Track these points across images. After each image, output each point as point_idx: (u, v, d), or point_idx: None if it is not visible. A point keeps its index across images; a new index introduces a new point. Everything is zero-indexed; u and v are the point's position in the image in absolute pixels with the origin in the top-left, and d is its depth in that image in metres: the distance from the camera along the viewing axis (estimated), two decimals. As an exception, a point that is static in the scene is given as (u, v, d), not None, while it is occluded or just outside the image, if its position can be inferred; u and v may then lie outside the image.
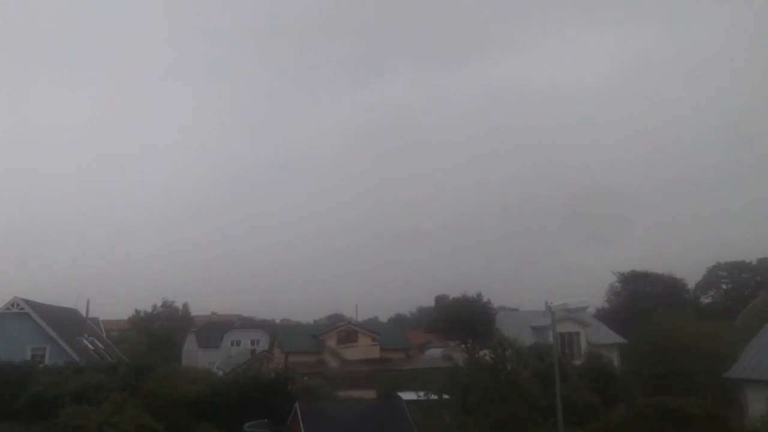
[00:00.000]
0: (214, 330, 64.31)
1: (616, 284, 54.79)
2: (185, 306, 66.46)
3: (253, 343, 60.68)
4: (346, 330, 43.02)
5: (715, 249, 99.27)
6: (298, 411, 21.58)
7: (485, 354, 25.87)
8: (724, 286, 59.67)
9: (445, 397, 26.74)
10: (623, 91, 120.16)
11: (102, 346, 41.04)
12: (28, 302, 34.89)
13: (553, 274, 78.01)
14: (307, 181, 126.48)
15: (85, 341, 38.61)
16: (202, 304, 75.23)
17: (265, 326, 64.55)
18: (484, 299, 36.56)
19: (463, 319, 34.35)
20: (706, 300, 58.19)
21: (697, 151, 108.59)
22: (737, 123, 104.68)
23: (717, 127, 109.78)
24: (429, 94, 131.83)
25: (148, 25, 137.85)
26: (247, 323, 69.25)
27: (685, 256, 76.02)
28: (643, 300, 47.37)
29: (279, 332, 47.01)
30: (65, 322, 38.43)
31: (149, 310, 63.86)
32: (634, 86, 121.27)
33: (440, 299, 39.45)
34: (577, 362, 33.59)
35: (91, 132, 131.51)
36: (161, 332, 52.37)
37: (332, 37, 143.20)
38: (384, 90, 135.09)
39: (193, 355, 58.41)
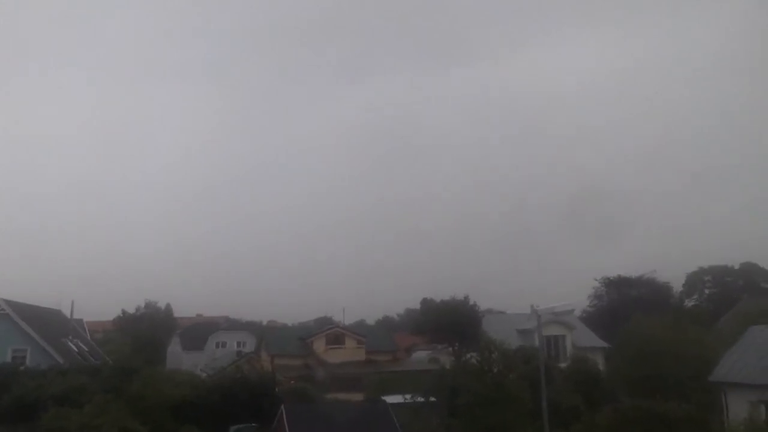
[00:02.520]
0: (199, 331, 63.73)
1: (601, 288, 55.30)
2: (168, 306, 65.80)
3: (239, 344, 60.22)
4: (334, 333, 42.98)
5: (698, 254, 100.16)
6: (284, 413, 21.51)
7: (471, 357, 25.94)
8: (707, 291, 60.45)
9: (432, 399, 26.76)
10: (623, 91, 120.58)
11: (86, 348, 40.55)
12: (8, 303, 34.38)
13: (541, 277, 78.24)
14: (299, 183, 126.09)
15: (69, 343, 38.14)
16: (187, 306, 74.35)
17: (252, 328, 64.13)
18: (471, 302, 36.74)
19: (450, 322, 34.47)
20: (690, 304, 58.88)
21: (697, 152, 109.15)
22: (737, 124, 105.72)
23: (716, 127, 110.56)
24: (427, 94, 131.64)
25: (148, 25, 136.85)
26: (233, 325, 68.75)
27: (674, 260, 76.46)
28: (627, 304, 47.82)
29: (266, 334, 46.83)
30: (48, 323, 37.91)
31: (133, 311, 63.14)
32: (634, 86, 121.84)
33: (426, 302, 39.51)
34: (563, 365, 33.80)
35: (90, 132, 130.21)
36: (145, 334, 51.82)
37: (332, 37, 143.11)
38: (382, 90, 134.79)
39: (178, 357, 57.86)
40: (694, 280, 60.42)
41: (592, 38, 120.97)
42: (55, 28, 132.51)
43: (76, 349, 38.16)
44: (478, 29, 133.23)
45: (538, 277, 78.89)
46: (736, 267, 59.78)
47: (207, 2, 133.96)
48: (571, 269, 77.02)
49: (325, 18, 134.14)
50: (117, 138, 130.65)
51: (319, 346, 41.49)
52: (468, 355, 29.64)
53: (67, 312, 41.50)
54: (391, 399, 26.06)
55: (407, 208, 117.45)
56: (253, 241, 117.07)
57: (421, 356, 43.24)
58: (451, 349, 35.52)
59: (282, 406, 22.25)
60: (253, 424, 23.74)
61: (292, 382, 30.51)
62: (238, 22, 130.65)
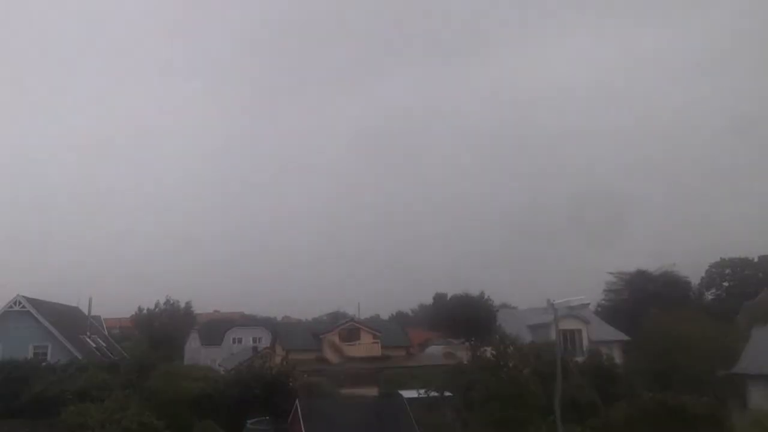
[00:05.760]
0: (216, 327, 64.48)
1: (616, 282, 54.74)
2: (188, 304, 66.44)
3: (254, 340, 60.78)
4: (348, 328, 43.02)
5: (717, 247, 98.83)
6: (299, 408, 21.59)
7: (486, 351, 25.87)
8: (725, 284, 59.63)
9: (447, 394, 26.74)
10: (623, 91, 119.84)
11: (104, 344, 41.17)
12: (30, 300, 34.96)
13: (552, 273, 77.91)
14: (310, 180, 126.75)
15: (88, 339, 38.72)
16: (204, 302, 75.33)
17: (267, 324, 64.71)
18: (485, 297, 36.62)
19: (465, 317, 34.40)
20: (708, 297, 58.18)
21: (699, 150, 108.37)
22: (739, 121, 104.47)
23: (719, 125, 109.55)
24: (430, 95, 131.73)
25: (147, 25, 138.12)
26: (248, 321, 69.40)
27: (688, 255, 75.75)
28: (645, 298, 47.34)
29: (280, 330, 47.11)
30: (67, 320, 38.52)
31: (152, 308, 63.82)
32: (634, 86, 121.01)
33: (438, 297, 39.38)
34: (580, 359, 33.56)
35: (95, 130, 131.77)
36: (163, 330, 52.41)
37: (334, 37, 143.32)
38: (386, 91, 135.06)
39: (196, 352, 58.54)
40: (713, 273, 59.65)
41: (592, 38, 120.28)
42: (54, 28, 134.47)
43: (94, 345, 38.75)
44: (479, 29, 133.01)
45: (549, 273, 78.52)
46: (755, 260, 58.89)
47: (207, 2, 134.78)
48: (584, 265, 76.37)
49: (326, 17, 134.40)
50: (132, 138, 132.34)
51: (334, 341, 41.55)
52: (483, 350, 29.58)
53: (84, 309, 42.12)
54: (405, 394, 26.08)
55: (417, 205, 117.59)
56: (268, 240, 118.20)
57: (434, 351, 43.22)
58: (467, 343, 35.44)
59: (297, 401, 22.34)
60: (267, 417, 23.89)
61: (306, 375, 30.57)
62: (239, 22, 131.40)
